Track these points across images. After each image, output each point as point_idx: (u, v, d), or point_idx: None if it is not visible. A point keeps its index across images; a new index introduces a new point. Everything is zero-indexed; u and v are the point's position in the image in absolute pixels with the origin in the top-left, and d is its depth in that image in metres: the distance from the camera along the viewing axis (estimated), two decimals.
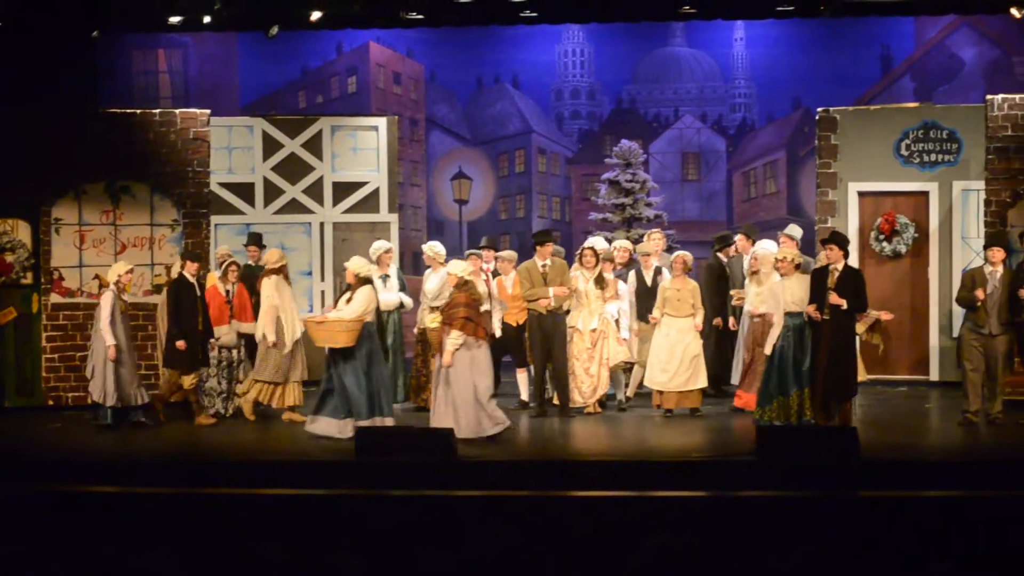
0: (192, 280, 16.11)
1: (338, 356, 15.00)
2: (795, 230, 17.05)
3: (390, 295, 16.99)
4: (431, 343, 16.15)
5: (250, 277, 17.09)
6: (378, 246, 17.26)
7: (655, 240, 17.85)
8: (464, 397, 14.76)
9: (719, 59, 24.77)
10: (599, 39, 24.58)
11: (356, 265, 15.29)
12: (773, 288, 15.51)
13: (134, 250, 18.07)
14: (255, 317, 16.59)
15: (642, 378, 17.09)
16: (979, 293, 15.35)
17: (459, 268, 15.11)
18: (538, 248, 16.66)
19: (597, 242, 17.65)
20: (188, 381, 16.05)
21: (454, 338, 14.74)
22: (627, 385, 17.24)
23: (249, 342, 16.79)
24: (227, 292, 16.49)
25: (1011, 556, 8.88)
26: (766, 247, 16.56)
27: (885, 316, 15.75)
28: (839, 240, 15.23)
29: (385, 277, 17.03)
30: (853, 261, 17.76)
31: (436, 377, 15.01)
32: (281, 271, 16.44)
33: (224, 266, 16.61)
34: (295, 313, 16.50)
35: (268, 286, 16.27)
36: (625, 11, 19.18)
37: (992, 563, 8.84)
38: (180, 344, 15.86)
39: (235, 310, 16.54)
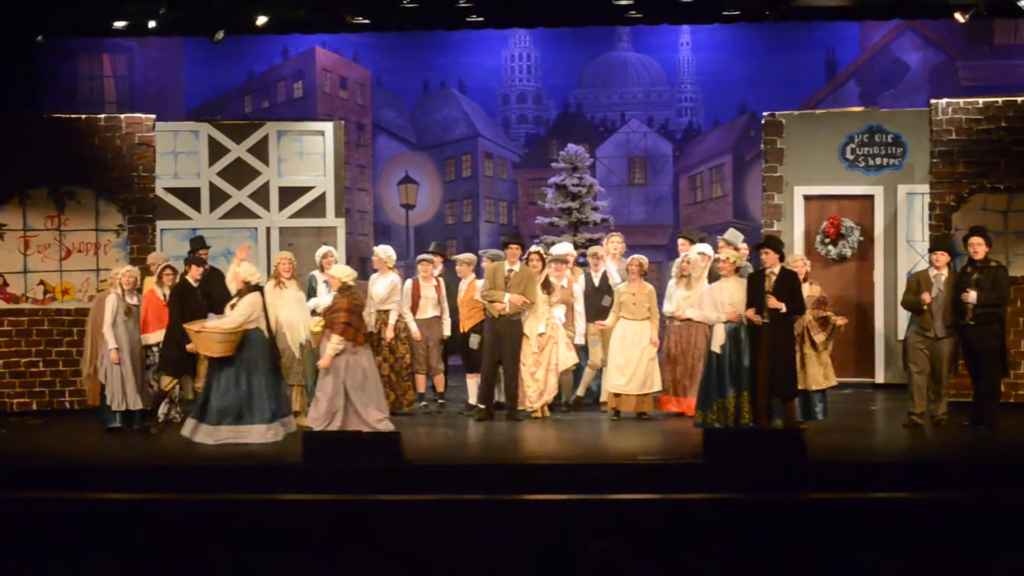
0: (194, 285, 15.94)
1: (215, 363, 15.01)
2: (734, 235, 17.06)
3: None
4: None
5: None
6: (322, 251, 17.19)
7: (614, 243, 17.80)
8: (328, 396, 14.96)
9: (665, 63, 24.82)
10: (545, 43, 24.57)
11: (245, 271, 15.13)
12: (711, 291, 15.52)
13: (79, 255, 17.96)
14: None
15: (590, 379, 17.13)
16: (925, 297, 15.42)
17: (342, 272, 15.18)
18: (506, 250, 16.62)
19: (562, 247, 17.56)
20: (168, 383, 15.88)
21: (335, 343, 14.92)
22: (577, 385, 17.27)
23: None
24: (164, 295, 16.15)
25: (958, 555, 8.95)
26: (702, 251, 16.60)
27: (841, 321, 15.81)
28: (774, 244, 15.31)
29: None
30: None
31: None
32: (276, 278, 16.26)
33: (159, 271, 16.22)
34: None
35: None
36: (571, 16, 19.21)
37: (940, 563, 8.90)
38: (191, 348, 15.68)
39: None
